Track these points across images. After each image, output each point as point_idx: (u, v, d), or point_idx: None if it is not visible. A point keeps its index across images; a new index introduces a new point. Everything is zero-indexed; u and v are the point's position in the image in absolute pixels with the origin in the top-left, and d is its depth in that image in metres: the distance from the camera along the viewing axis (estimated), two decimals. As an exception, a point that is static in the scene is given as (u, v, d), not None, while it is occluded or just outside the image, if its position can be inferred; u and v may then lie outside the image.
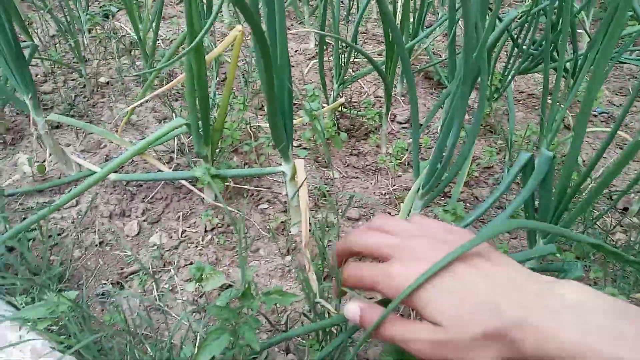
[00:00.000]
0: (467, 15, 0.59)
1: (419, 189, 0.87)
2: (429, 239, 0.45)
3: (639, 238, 1.00)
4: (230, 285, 0.82)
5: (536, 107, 1.44)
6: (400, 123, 1.31)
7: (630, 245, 0.95)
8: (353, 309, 0.48)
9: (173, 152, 1.08)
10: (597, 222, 1.05)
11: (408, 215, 0.87)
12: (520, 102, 1.44)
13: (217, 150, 1.01)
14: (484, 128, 1.30)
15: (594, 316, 0.36)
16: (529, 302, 0.38)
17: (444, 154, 0.83)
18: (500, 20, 1.27)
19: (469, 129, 0.77)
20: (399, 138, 1.25)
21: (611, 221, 1.05)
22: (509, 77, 1.25)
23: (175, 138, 1.08)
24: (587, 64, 1.04)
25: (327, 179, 1.10)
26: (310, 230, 0.93)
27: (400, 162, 1.14)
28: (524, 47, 1.18)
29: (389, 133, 1.26)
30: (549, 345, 0.35)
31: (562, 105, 1.06)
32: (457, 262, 0.42)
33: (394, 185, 1.10)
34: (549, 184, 0.84)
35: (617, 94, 1.58)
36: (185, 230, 0.93)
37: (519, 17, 1.28)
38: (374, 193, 1.07)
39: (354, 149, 1.19)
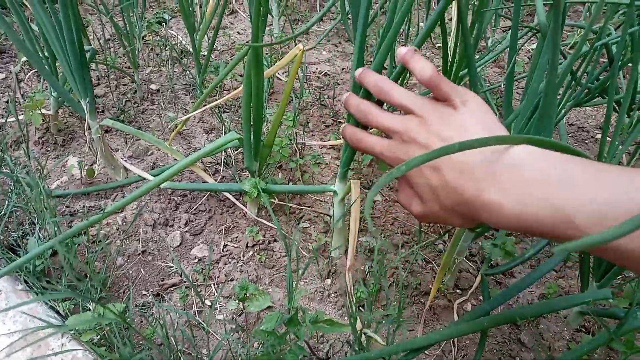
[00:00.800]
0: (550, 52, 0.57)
1: None
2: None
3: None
4: (270, 307, 0.81)
5: (586, 141, 1.39)
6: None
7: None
8: None
9: (219, 164, 1.08)
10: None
11: (457, 248, 0.84)
12: (570, 134, 1.40)
13: (265, 166, 1.00)
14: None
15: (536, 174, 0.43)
16: (482, 181, 0.46)
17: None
18: (565, 56, 1.24)
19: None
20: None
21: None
22: (563, 111, 1.21)
23: (223, 150, 1.08)
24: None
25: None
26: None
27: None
28: (582, 80, 1.15)
29: (434, 158, 1.23)
30: (498, 219, 0.45)
31: (621, 146, 1.02)
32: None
33: (438, 213, 1.07)
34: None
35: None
36: (227, 245, 0.92)
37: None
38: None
39: (398, 173, 1.17)
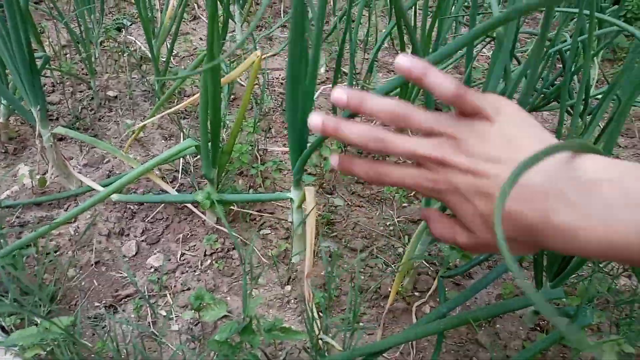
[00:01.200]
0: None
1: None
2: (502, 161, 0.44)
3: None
4: (227, 316, 0.80)
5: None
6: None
7: (634, 289, 0.93)
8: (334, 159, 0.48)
9: (177, 171, 1.06)
10: (604, 267, 1.03)
11: (414, 252, 0.85)
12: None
13: (224, 173, 0.99)
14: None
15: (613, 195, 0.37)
16: (548, 203, 0.40)
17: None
18: (519, 61, 1.28)
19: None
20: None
21: (617, 266, 1.03)
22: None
23: (182, 157, 1.06)
24: (605, 105, 1.04)
25: (331, 206, 1.08)
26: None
27: (406, 194, 1.13)
28: (538, 85, 1.18)
29: (396, 162, 1.25)
30: (574, 245, 0.38)
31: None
32: None
33: (398, 217, 1.08)
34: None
35: (622, 136, 1.58)
36: (184, 253, 0.91)
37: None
38: (378, 223, 1.06)
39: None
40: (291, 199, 0.85)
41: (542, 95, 1.24)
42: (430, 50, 1.30)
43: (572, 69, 1.16)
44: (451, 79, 0.43)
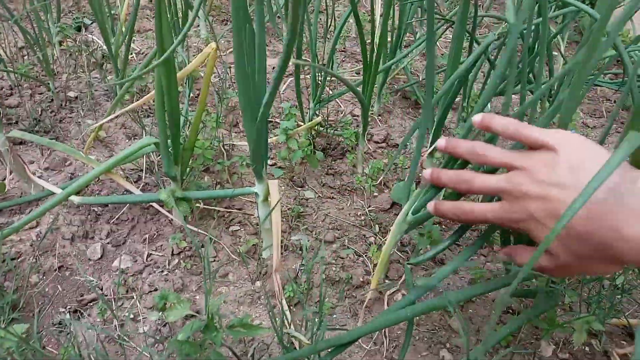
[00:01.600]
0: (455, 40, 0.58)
1: (407, 214, 0.85)
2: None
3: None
4: (195, 315, 0.78)
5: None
6: (377, 142, 1.29)
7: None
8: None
9: (142, 170, 1.04)
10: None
11: (394, 246, 0.84)
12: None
13: (188, 170, 0.97)
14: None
15: None
16: (617, 219, 0.43)
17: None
18: (478, 43, 1.28)
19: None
20: (375, 158, 1.23)
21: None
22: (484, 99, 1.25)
23: (145, 156, 1.04)
24: (564, 86, 1.04)
25: (301, 199, 1.07)
26: (282, 254, 0.90)
27: (376, 183, 1.12)
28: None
29: (365, 152, 1.24)
30: None
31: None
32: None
33: (369, 206, 1.08)
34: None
35: (590, 116, 1.60)
36: (151, 254, 0.89)
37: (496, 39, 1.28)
38: (349, 214, 1.05)
39: (330, 169, 1.17)
40: (256, 193, 0.84)
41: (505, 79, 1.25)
42: (393, 37, 1.29)
43: (533, 51, 1.16)
44: (510, 119, 0.52)
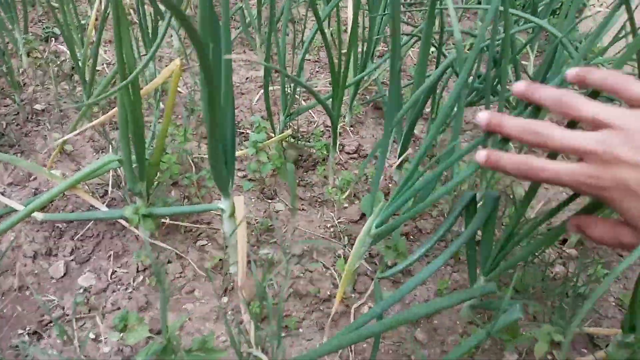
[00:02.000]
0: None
1: (371, 228, 0.85)
2: None
3: (576, 270, 1.01)
4: (150, 337, 0.77)
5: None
6: (349, 153, 1.30)
7: (569, 277, 0.96)
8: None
9: (108, 185, 1.03)
10: (538, 255, 1.06)
11: (359, 259, 0.85)
12: (467, 132, 1.46)
13: (155, 185, 0.97)
14: (429, 160, 1.30)
15: None
16: None
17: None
18: (445, 55, 1.29)
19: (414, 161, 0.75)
20: (347, 169, 1.24)
21: (551, 254, 1.06)
22: (455, 111, 1.26)
23: (112, 170, 1.03)
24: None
25: (272, 211, 1.07)
26: (250, 269, 0.90)
27: (346, 195, 1.13)
28: (469, 81, 1.20)
29: (337, 164, 1.25)
30: None
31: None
32: None
33: (339, 218, 1.08)
34: (492, 223, 0.84)
35: (562, 125, 1.63)
36: (116, 271, 0.88)
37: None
38: (319, 226, 1.05)
39: (301, 180, 1.17)
40: (222, 209, 0.83)
41: (476, 90, 1.27)
42: (364, 45, 1.30)
43: (501, 64, 1.18)
44: (609, 71, 0.44)
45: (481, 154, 0.49)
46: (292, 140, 1.22)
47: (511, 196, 1.22)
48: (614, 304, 0.98)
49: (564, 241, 1.11)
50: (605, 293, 1.00)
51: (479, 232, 0.83)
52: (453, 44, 1.82)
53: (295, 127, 1.29)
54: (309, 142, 1.25)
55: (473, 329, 0.88)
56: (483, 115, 0.50)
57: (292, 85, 1.15)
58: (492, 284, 0.83)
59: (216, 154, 0.72)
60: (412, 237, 1.06)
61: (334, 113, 1.06)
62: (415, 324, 0.88)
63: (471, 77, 1.23)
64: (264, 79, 1.09)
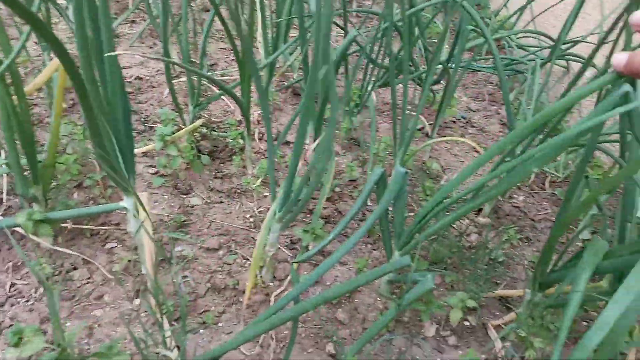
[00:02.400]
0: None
1: (275, 212, 0.84)
2: None
3: (489, 236, 1.05)
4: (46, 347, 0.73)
5: (399, 118, 1.49)
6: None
7: (483, 243, 1.00)
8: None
9: (2, 192, 0.95)
10: (454, 225, 1.10)
11: (265, 243, 0.83)
12: (385, 113, 1.48)
13: (53, 188, 0.90)
14: (349, 142, 1.31)
15: None
16: None
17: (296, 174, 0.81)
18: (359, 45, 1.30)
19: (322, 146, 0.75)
20: (266, 157, 1.22)
21: (466, 224, 1.10)
22: (368, 92, 1.28)
23: (5, 176, 0.95)
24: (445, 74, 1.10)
25: (187, 206, 1.04)
26: (163, 267, 0.87)
27: (265, 182, 1.11)
28: (378, 61, 1.21)
29: (256, 152, 1.22)
30: None
31: (412, 116, 1.10)
32: None
33: (259, 208, 1.07)
34: (402, 199, 0.85)
35: (474, 100, 1.69)
36: (15, 284, 0.82)
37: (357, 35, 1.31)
38: (238, 217, 1.03)
39: (218, 172, 1.14)
40: (125, 208, 0.79)
41: (385, 70, 1.28)
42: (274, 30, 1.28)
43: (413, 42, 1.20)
44: None
45: (619, 57, 0.47)
46: (206, 130, 1.19)
47: (427, 171, 1.25)
48: (527, 266, 1.03)
49: (479, 211, 1.16)
50: (520, 257, 1.05)
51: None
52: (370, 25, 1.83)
53: (208, 117, 1.26)
54: (226, 132, 1.22)
55: (392, 304, 0.89)
56: (620, 57, 0.47)
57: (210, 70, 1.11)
58: (406, 258, 0.84)
59: (105, 152, 0.68)
60: (333, 220, 1.06)
61: (244, 100, 1.04)
62: (336, 304, 0.89)
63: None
64: (165, 72, 1.04)
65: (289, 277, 0.90)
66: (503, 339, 0.85)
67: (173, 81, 1.41)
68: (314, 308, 0.69)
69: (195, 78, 1.11)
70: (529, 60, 1.46)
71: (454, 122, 1.51)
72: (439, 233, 1.00)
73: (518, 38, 1.91)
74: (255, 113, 1.35)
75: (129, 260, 0.86)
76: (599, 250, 0.63)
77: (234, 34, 1.38)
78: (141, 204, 0.76)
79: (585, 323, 0.90)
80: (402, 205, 0.86)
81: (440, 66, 1.26)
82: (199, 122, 1.09)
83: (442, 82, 1.36)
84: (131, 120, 0.76)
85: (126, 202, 0.79)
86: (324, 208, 1.07)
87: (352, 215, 0.82)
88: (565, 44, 1.40)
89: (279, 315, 0.67)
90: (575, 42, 1.40)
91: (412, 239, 0.84)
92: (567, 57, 1.42)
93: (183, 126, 1.14)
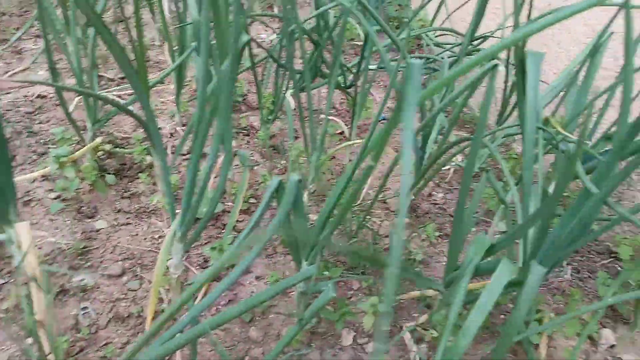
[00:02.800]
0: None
1: (175, 232, 0.80)
2: None
3: (406, 236, 1.05)
4: None
5: (321, 123, 1.47)
6: (183, 155, 1.23)
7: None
8: None
9: None
10: (370, 227, 1.08)
11: (163, 265, 0.79)
12: (307, 118, 1.46)
13: None
14: (269, 150, 1.28)
15: None
16: None
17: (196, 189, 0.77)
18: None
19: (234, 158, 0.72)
20: (180, 172, 1.17)
21: (385, 225, 1.09)
22: (281, 98, 1.25)
23: None
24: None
25: (90, 231, 0.97)
26: (61, 300, 0.81)
27: (177, 199, 1.06)
28: (286, 67, 1.19)
29: (172, 167, 1.17)
30: None
31: (321, 121, 1.08)
32: None
33: (169, 227, 1.01)
34: (300, 207, 0.83)
35: (392, 99, 1.70)
36: None
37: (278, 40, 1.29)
38: (145, 239, 0.98)
39: (125, 191, 1.08)
40: (5, 240, 0.73)
41: (300, 74, 1.26)
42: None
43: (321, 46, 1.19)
44: None
45: None
46: (111, 148, 1.12)
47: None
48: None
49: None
50: (439, 255, 1.05)
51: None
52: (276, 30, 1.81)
53: (112, 133, 1.19)
54: (125, 149, 1.16)
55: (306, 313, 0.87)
56: None
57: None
58: (313, 268, 0.82)
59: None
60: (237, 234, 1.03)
61: (147, 112, 0.99)
62: (250, 322, 0.86)
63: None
64: (57, 94, 0.98)
65: (197, 300, 0.86)
66: (420, 341, 0.85)
67: (77, 97, 1.33)
68: (213, 329, 0.66)
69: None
70: (444, 58, 1.48)
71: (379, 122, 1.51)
72: (351, 236, 0.99)
73: (437, 36, 1.94)
74: (167, 125, 1.30)
75: (21, 297, 0.80)
76: (480, 248, 0.63)
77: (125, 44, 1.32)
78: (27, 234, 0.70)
79: (503, 316, 0.91)
80: (301, 213, 0.84)
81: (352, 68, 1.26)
82: (98, 139, 1.03)
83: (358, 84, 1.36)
84: (7, 145, 0.69)
85: (6, 235, 0.72)
86: (239, 221, 1.04)
87: (251, 228, 0.79)
88: (475, 40, 1.43)
89: (172, 341, 0.63)
90: (485, 38, 1.44)
91: (315, 246, 0.82)
92: (478, 52, 1.46)
93: (83, 145, 1.07)
